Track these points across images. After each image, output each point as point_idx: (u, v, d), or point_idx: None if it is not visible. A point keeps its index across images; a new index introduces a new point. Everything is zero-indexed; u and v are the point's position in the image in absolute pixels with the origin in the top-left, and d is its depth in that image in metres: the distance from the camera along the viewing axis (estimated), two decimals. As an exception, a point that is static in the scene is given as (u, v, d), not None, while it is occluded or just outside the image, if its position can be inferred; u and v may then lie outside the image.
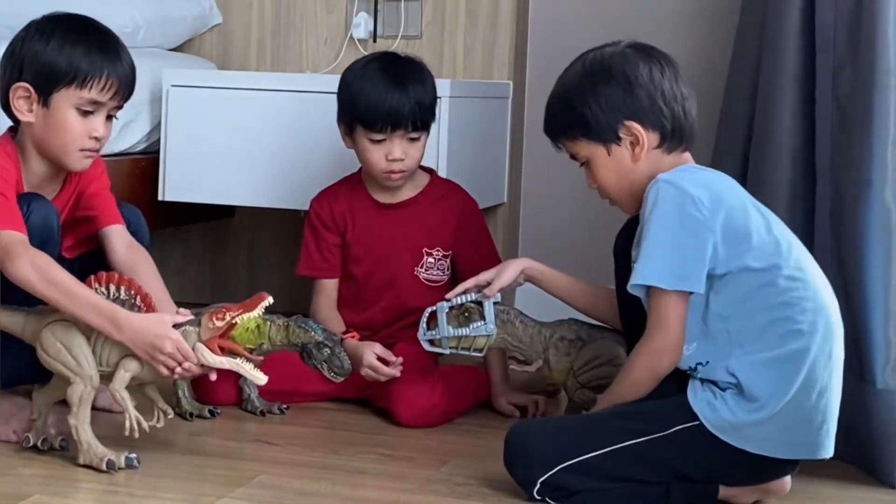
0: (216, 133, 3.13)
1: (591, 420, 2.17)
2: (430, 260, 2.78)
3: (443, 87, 2.91)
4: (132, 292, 2.24)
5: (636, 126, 2.15)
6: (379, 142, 2.70)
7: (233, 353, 2.20)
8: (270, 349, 2.28)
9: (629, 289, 2.10)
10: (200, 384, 2.60)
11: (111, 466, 2.18)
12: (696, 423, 2.06)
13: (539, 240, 3.55)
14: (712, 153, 2.71)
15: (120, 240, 2.49)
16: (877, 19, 2.27)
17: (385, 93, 2.66)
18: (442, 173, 2.95)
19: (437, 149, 2.98)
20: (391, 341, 2.75)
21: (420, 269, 2.78)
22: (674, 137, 2.16)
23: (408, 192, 2.81)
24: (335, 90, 3.06)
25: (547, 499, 2.12)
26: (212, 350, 2.19)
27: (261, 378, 2.20)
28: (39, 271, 2.20)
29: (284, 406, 2.66)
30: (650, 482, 2.10)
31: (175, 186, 3.17)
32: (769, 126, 2.49)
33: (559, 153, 2.29)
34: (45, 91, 2.30)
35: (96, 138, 2.34)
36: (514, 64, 3.41)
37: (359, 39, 3.50)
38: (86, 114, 2.32)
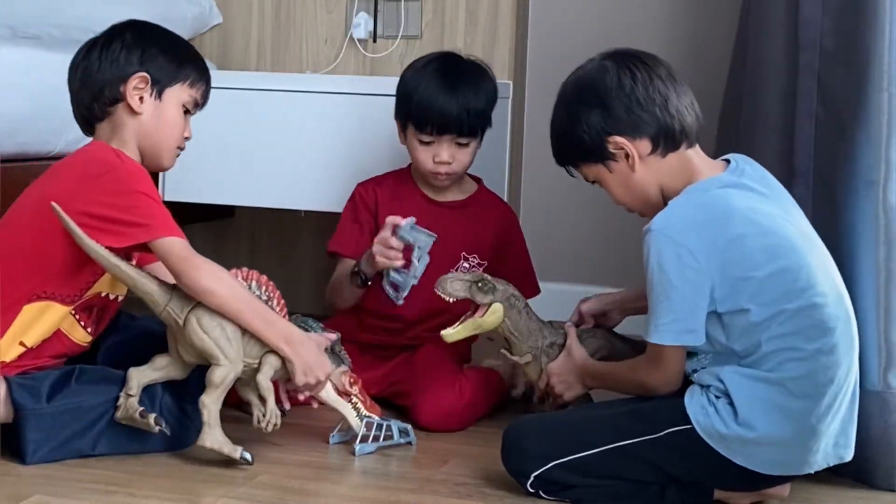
0: (216, 133, 3.13)
1: (588, 418, 2.17)
2: (465, 265, 2.76)
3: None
4: (270, 293, 2.30)
5: (620, 140, 2.15)
6: (427, 143, 2.70)
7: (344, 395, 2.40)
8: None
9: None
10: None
11: (246, 460, 2.25)
12: (689, 426, 2.06)
13: (539, 240, 3.55)
14: (713, 157, 2.69)
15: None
16: (873, 17, 2.22)
17: (436, 95, 2.66)
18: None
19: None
20: (417, 343, 2.75)
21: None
22: (666, 140, 2.15)
23: (456, 195, 2.81)
24: (335, 90, 3.06)
25: (540, 492, 2.13)
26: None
27: (360, 426, 2.39)
28: (224, 284, 2.23)
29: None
30: (644, 482, 2.11)
31: (175, 186, 3.16)
32: (752, 127, 2.48)
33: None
34: (162, 84, 2.34)
35: (187, 138, 2.41)
36: (514, 64, 3.41)
37: (359, 39, 3.50)
38: (185, 113, 2.39)
